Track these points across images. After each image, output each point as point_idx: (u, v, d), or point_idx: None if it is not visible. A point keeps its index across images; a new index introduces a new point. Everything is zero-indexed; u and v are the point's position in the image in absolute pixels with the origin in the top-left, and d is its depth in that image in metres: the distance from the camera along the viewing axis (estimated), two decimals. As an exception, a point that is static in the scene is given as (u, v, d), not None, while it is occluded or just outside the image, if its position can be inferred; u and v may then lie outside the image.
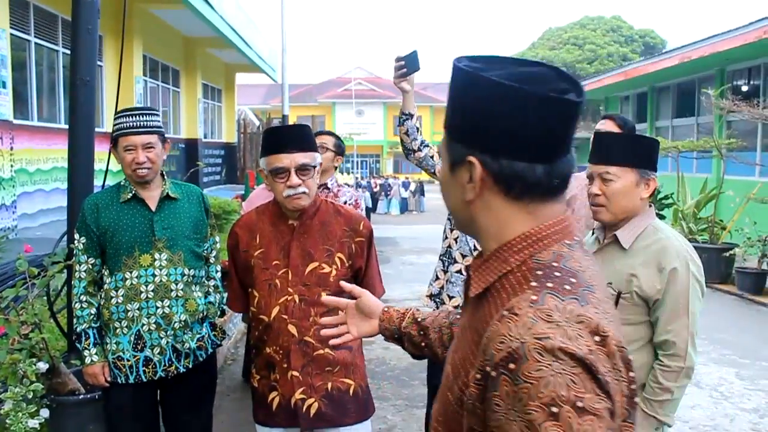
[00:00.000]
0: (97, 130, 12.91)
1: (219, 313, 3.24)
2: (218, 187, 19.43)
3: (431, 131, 47.33)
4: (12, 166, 8.89)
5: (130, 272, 2.93)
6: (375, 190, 28.53)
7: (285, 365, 2.55)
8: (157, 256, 2.97)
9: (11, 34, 9.10)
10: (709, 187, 12.11)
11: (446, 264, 3.68)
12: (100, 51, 12.16)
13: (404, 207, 28.16)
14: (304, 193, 2.54)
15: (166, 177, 3.11)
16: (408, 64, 3.29)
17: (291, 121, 38.42)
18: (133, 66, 12.76)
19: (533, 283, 1.00)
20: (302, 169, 2.53)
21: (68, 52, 10.49)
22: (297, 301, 2.54)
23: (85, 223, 2.98)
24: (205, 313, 3.12)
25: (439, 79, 53.43)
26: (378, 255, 2.85)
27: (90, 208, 2.99)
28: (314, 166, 2.58)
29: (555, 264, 1.03)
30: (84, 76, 3.88)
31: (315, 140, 2.71)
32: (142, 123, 2.96)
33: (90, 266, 2.99)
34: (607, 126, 3.60)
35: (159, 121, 3.08)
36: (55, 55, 10.91)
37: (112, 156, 3.05)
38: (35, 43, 10.09)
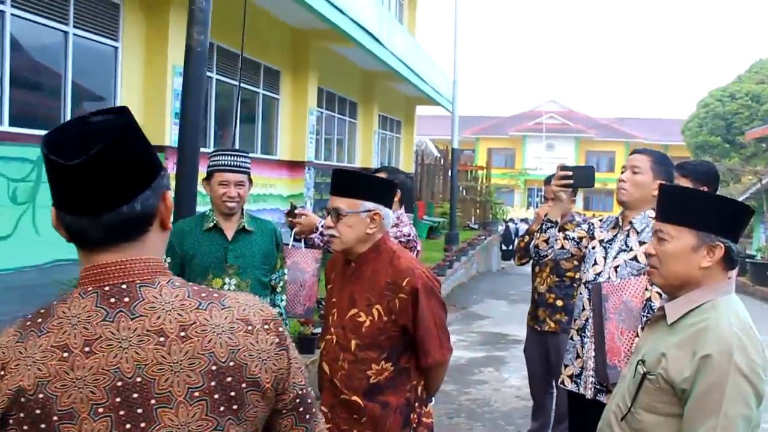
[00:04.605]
0: (271, 157, 13.88)
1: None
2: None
3: (624, 167, 45.28)
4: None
5: None
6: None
7: (318, 399, 2.61)
8: (227, 280, 3.34)
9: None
10: None
11: (584, 340, 3.32)
12: (277, 85, 13.17)
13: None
14: (333, 236, 2.61)
15: (245, 212, 3.47)
16: (577, 177, 3.22)
17: (480, 153, 37.78)
18: (307, 98, 13.65)
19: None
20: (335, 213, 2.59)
21: (246, 86, 11.50)
22: (334, 341, 2.61)
23: (171, 245, 3.34)
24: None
25: (636, 114, 51.27)
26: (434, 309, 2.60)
27: (177, 233, 3.37)
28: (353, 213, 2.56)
29: (42, 310, 1.15)
30: (192, 117, 4.36)
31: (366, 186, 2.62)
32: (238, 163, 3.38)
33: None
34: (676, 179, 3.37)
35: (249, 163, 3.47)
36: (232, 89, 11.90)
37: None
38: (216, 79, 11.17)
